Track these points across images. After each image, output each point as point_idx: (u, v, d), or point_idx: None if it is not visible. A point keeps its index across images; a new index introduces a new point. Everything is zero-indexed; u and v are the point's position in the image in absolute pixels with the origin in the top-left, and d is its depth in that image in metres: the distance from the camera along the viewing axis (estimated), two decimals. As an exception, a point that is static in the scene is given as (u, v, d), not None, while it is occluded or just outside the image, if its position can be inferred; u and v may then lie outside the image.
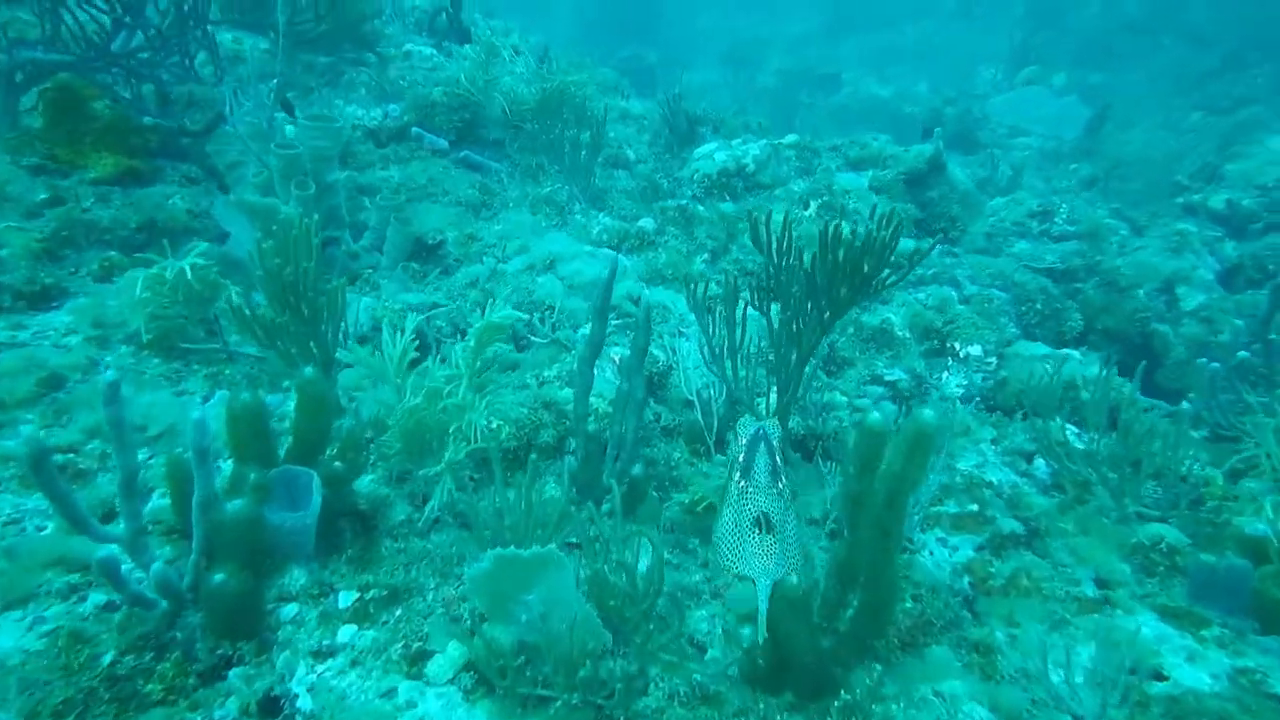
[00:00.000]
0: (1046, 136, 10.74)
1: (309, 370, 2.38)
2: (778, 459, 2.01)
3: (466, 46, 6.59)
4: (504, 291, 3.79)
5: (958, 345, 3.60)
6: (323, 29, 5.76)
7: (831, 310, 2.63)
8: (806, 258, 2.67)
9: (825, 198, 4.41)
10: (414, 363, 2.72)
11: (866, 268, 2.51)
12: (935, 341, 3.86)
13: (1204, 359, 3.31)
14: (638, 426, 2.67)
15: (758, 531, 1.89)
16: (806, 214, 4.47)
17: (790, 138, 5.53)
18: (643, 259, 4.05)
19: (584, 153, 4.76)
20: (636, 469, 2.69)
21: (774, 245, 2.66)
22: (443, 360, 2.75)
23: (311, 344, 2.81)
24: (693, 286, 2.84)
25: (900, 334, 3.71)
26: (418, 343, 2.76)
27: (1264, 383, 3.43)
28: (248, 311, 2.76)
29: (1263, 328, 3.46)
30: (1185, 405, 3.57)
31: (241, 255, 3.62)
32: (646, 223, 4.20)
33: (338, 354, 2.84)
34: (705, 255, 4.12)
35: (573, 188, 4.90)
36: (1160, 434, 2.81)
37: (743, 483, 1.97)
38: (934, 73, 18.50)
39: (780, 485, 1.99)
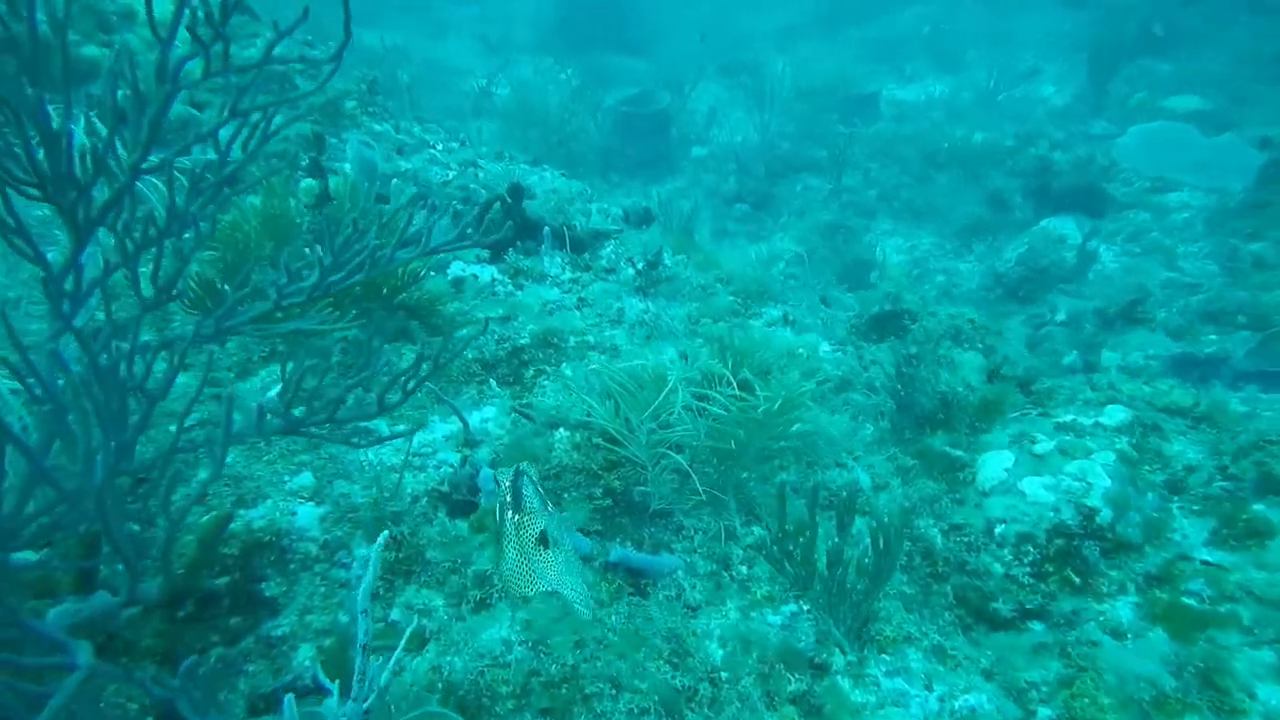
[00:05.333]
0: (1205, 189, 8.62)
1: None
2: (539, 489, 2.26)
3: (556, 268, 4.36)
4: None
5: None
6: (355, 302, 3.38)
7: None
8: None
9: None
10: None
11: None
12: None
13: None
14: None
15: (543, 549, 2.11)
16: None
17: (1116, 413, 3.37)
18: None
19: (856, 580, 2.57)
20: None
21: None
22: None
23: None
24: None
25: None
26: None
27: None
28: None
29: None
30: None
31: None
32: None
33: None
34: None
35: (829, 621, 2.73)
36: None
37: (517, 516, 2.13)
38: (958, 69, 16.28)
39: (549, 507, 2.27)
